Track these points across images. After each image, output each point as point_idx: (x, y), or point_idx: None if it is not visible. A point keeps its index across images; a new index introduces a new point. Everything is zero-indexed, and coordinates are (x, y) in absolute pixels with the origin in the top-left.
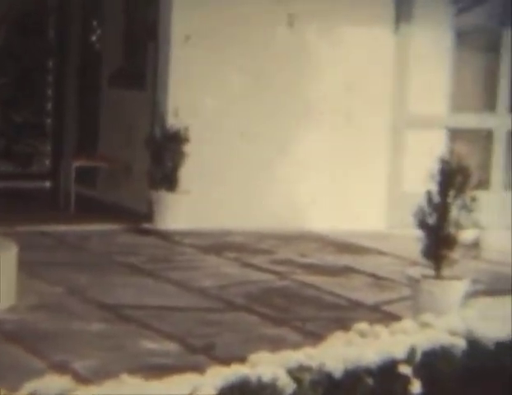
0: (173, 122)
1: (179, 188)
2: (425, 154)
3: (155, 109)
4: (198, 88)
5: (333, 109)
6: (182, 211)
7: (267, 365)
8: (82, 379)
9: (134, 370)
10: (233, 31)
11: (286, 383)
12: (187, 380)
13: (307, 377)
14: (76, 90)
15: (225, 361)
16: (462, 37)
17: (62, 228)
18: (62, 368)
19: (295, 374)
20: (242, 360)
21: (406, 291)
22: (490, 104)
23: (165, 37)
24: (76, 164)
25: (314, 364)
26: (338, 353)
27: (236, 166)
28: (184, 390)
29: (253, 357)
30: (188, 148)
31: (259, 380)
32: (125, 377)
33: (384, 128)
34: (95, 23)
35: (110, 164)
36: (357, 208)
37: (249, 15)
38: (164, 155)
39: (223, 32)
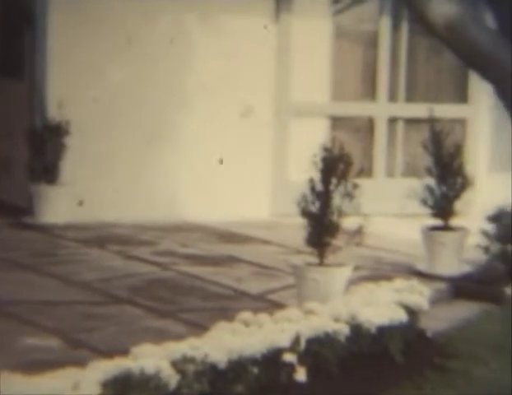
0: (54, 113)
1: (60, 180)
2: (308, 142)
3: (34, 100)
4: (80, 79)
5: (215, 98)
6: (63, 204)
7: (150, 357)
8: None
9: (15, 367)
10: (115, 20)
11: (170, 374)
12: (68, 375)
13: (191, 368)
14: None
15: (108, 354)
16: (342, 27)
17: None
18: None
19: (179, 365)
20: (125, 352)
21: (290, 280)
22: (370, 93)
23: (43, 25)
24: None
25: (198, 355)
26: (222, 343)
27: (118, 158)
28: (66, 385)
29: (136, 350)
30: (69, 140)
31: (142, 373)
32: (5, 374)
33: (267, 117)
34: None
35: None
36: (241, 197)
37: (131, 4)
38: (44, 148)
39: (104, 21)
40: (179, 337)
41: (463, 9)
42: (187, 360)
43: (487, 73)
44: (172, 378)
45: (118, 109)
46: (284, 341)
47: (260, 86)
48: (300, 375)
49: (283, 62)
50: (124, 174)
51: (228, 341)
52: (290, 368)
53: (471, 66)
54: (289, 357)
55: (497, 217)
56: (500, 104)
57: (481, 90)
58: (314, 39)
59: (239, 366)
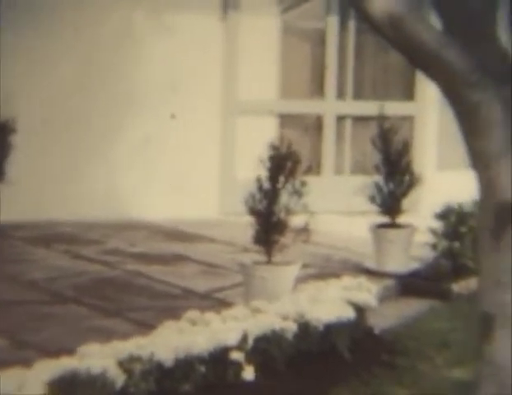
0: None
1: (7, 179)
2: (257, 140)
3: None
4: (27, 77)
5: (163, 96)
6: (9, 203)
7: (96, 357)
8: None
9: None
10: (63, 18)
11: (116, 374)
12: (14, 375)
13: (137, 367)
14: None
15: (55, 354)
16: (290, 24)
17: None
18: None
19: (126, 364)
20: (71, 352)
21: (238, 278)
22: (318, 91)
23: None
24: None
25: (144, 354)
26: (169, 342)
27: (65, 156)
28: (11, 385)
29: (82, 349)
30: (16, 139)
31: (88, 372)
32: None
33: (215, 115)
34: None
35: None
36: (189, 196)
37: (81, 2)
38: None
39: (53, 19)
40: (126, 337)
41: (408, 7)
42: (133, 359)
43: (432, 71)
44: (118, 378)
45: (65, 108)
46: (231, 339)
47: (208, 84)
48: (248, 373)
49: (231, 59)
50: (72, 173)
51: (175, 340)
52: (238, 366)
53: (415, 64)
54: (236, 355)
55: (445, 215)
56: (446, 102)
57: (429, 88)
58: (261, 36)
59: (186, 365)
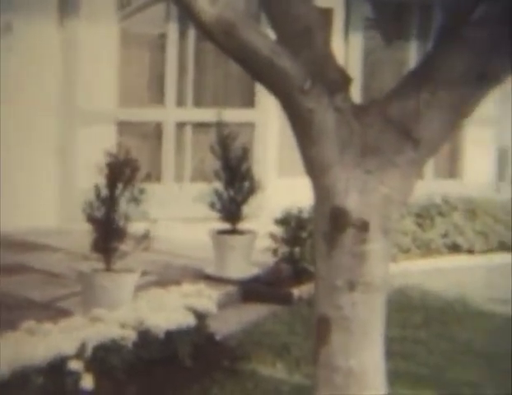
0: None
1: None
2: (97, 148)
3: None
4: None
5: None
6: None
7: None
8: None
9: None
10: None
11: None
12: None
13: None
14: None
15: None
16: (129, 32)
17: None
18: None
19: None
20: None
21: (78, 287)
22: (158, 98)
23: None
24: None
25: None
26: (5, 354)
27: None
28: None
29: None
30: None
31: None
32: None
33: (54, 124)
34: None
35: None
36: (28, 205)
37: None
38: None
39: None
40: None
41: (240, 14)
42: None
43: (266, 79)
44: None
45: None
46: (69, 349)
47: (46, 92)
48: (87, 383)
49: (69, 67)
50: None
51: (11, 352)
52: (76, 376)
53: (250, 71)
54: (75, 365)
55: (285, 220)
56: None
57: (269, 95)
58: (100, 43)
59: (23, 376)
